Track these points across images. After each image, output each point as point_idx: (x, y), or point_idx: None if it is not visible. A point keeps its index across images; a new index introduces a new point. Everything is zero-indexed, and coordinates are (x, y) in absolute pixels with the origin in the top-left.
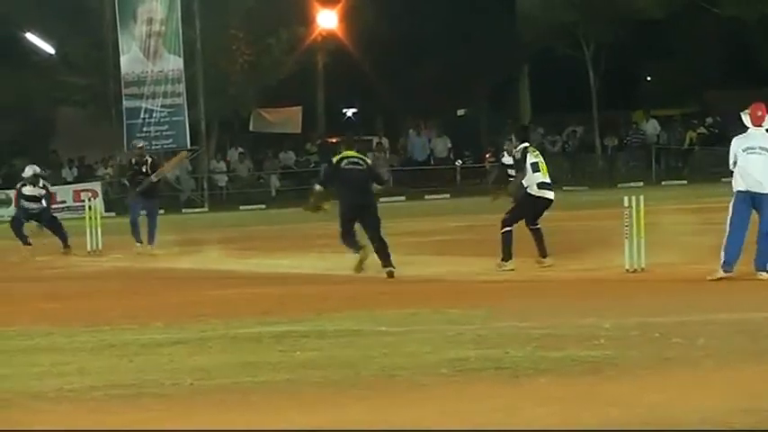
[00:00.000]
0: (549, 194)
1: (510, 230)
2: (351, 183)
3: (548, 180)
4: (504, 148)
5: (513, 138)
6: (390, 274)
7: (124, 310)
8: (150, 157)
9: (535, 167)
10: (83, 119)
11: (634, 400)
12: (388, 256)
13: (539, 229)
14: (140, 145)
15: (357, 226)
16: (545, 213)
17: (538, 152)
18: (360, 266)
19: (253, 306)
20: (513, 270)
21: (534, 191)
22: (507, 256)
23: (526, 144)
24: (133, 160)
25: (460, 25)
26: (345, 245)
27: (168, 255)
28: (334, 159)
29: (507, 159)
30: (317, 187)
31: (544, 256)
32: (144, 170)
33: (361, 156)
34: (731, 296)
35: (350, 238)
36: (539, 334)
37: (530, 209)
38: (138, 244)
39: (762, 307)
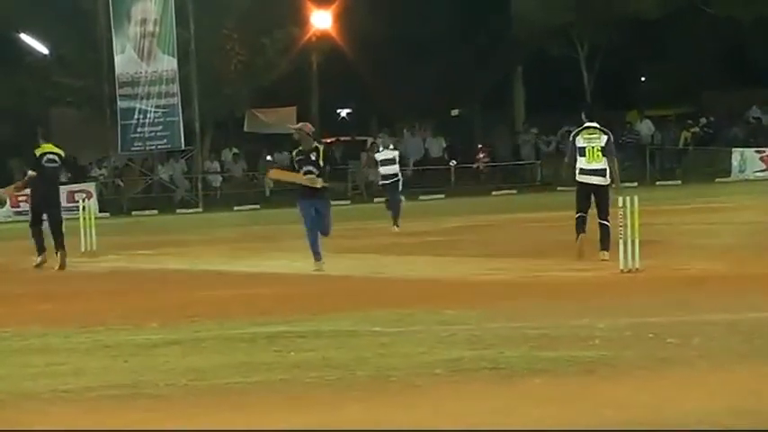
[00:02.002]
0: (591, 179)
1: (580, 215)
2: (47, 178)
3: (591, 166)
4: (380, 141)
5: (583, 115)
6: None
7: (119, 311)
8: (319, 143)
9: (581, 152)
10: (77, 120)
11: (629, 401)
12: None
13: (605, 225)
14: (298, 126)
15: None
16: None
17: (598, 135)
18: (41, 266)
19: (247, 306)
20: (581, 249)
21: (576, 176)
22: (579, 232)
23: (586, 125)
24: (300, 148)
25: (455, 26)
26: (35, 238)
27: (162, 255)
28: (37, 153)
29: (380, 155)
30: (31, 173)
31: (604, 249)
32: (313, 159)
33: (58, 151)
34: (726, 296)
35: (40, 234)
36: (533, 334)
37: (578, 195)
38: (320, 261)
39: (757, 307)
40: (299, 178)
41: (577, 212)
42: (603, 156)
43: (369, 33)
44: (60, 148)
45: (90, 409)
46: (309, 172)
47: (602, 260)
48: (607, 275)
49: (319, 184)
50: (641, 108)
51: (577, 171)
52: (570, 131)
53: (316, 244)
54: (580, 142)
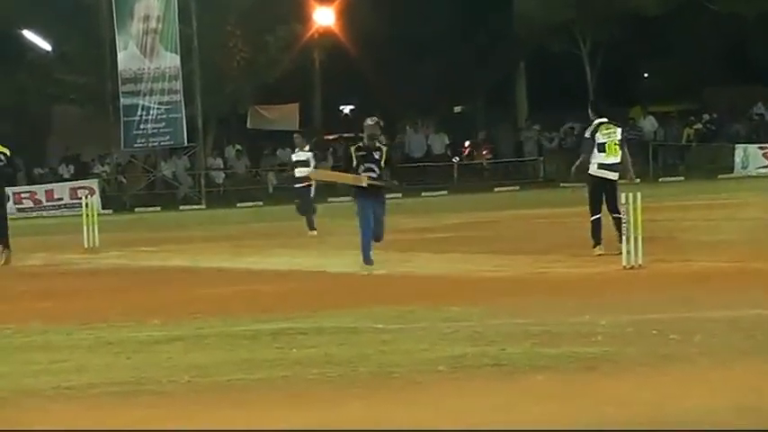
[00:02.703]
0: (610, 175)
1: (597, 218)
2: None
3: (610, 161)
4: (296, 140)
5: (592, 112)
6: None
7: (121, 308)
8: (380, 143)
9: (601, 147)
10: (80, 117)
11: (631, 398)
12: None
13: (618, 218)
14: (376, 121)
15: None
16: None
17: (614, 129)
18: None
19: (249, 303)
20: (600, 255)
21: (594, 171)
22: (596, 241)
23: (600, 121)
24: (362, 143)
25: (457, 23)
26: None
27: (165, 252)
28: None
29: (294, 155)
30: None
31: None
32: (377, 158)
33: (3, 150)
34: (728, 293)
35: None
36: (536, 331)
37: (594, 190)
38: (370, 265)
39: (759, 304)
40: (346, 178)
41: (594, 214)
42: (620, 149)
43: (371, 30)
44: (5, 147)
45: (92, 406)
46: (370, 170)
47: (599, 255)
48: (610, 272)
49: (365, 182)
50: (644, 104)
51: (595, 166)
52: (573, 128)
53: (369, 247)
54: (600, 138)
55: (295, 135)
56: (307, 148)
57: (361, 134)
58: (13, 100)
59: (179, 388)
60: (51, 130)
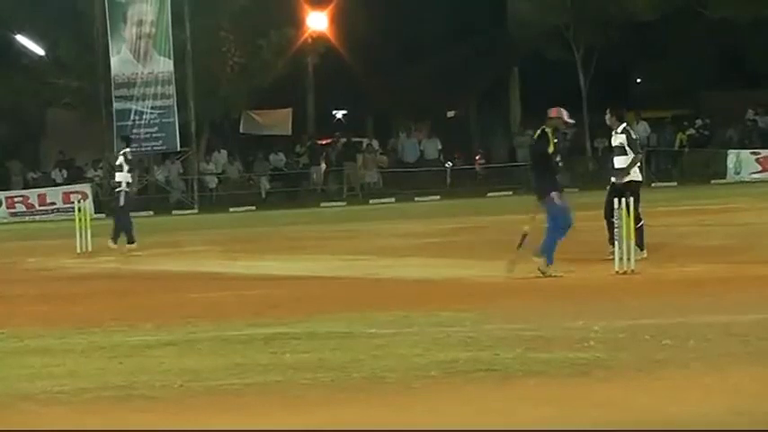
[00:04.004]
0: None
1: (643, 225)
2: None
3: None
4: (112, 163)
5: (610, 116)
6: None
7: (114, 312)
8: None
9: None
10: (73, 121)
11: (624, 402)
12: None
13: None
14: (570, 120)
15: None
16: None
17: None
18: None
19: (242, 308)
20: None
21: (635, 176)
22: (642, 245)
23: (625, 124)
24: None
25: (451, 27)
26: None
27: (158, 256)
28: None
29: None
30: None
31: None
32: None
33: None
34: (721, 298)
35: None
36: (529, 336)
37: (638, 193)
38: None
39: (751, 309)
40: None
41: (642, 219)
42: None
43: (364, 35)
44: None
45: (85, 410)
46: (558, 162)
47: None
48: (602, 277)
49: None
50: (637, 110)
51: (637, 168)
52: (566, 134)
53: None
54: None
55: (120, 138)
56: (123, 150)
57: (352, 138)
58: (7, 104)
59: (171, 392)
60: (45, 134)
